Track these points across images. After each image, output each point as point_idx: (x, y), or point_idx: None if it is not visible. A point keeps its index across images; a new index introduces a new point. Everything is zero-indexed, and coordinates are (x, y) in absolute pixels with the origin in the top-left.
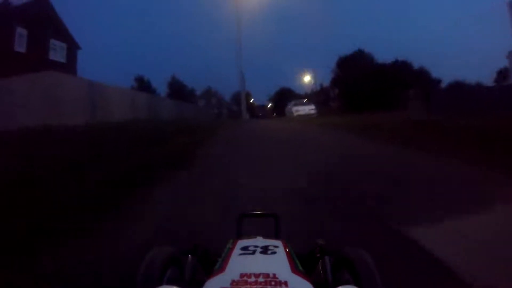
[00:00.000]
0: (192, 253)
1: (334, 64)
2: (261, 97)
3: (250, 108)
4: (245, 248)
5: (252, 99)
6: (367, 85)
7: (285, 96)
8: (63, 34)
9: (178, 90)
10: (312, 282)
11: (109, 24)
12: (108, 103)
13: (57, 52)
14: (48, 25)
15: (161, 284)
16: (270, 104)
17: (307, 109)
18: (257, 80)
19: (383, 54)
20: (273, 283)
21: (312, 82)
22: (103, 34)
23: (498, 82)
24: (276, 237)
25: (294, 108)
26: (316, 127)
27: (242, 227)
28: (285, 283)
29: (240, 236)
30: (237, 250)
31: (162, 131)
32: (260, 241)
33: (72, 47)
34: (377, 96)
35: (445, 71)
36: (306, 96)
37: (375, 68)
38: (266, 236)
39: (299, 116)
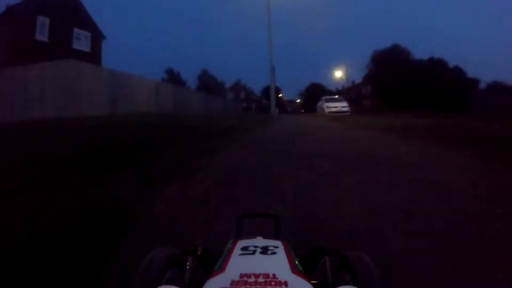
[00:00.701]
0: (192, 253)
1: (368, 59)
2: (291, 92)
3: (280, 102)
4: (245, 248)
5: (281, 94)
6: (405, 82)
7: (315, 92)
8: (87, 23)
9: (208, 83)
10: (312, 283)
11: (138, 14)
12: (130, 94)
13: (81, 41)
14: (71, 14)
15: (160, 285)
16: (299, 100)
17: (339, 106)
18: (288, 75)
19: (418, 51)
20: (273, 283)
21: (344, 77)
22: (131, 24)
23: None
24: (276, 237)
25: (326, 104)
26: (377, 133)
27: (242, 228)
28: (285, 283)
29: (240, 236)
30: (237, 250)
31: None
32: (260, 241)
33: (97, 36)
34: (415, 95)
35: (480, 70)
36: (337, 92)
37: (413, 65)
38: (266, 236)
39: (331, 113)
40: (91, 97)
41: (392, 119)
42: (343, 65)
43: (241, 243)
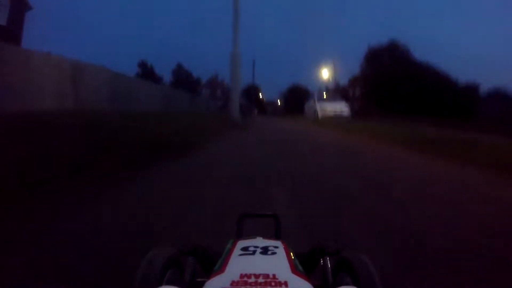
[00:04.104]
0: (192, 253)
1: (362, 57)
2: (271, 93)
3: (259, 103)
4: (245, 249)
5: (261, 94)
6: (404, 84)
7: (297, 93)
8: None
9: (183, 78)
10: (312, 283)
11: None
12: (25, 81)
13: None
14: None
15: (160, 285)
16: (279, 101)
17: (338, 108)
18: (269, 75)
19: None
20: (273, 283)
21: (331, 78)
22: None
23: None
24: (276, 237)
25: (320, 106)
26: None
27: (242, 228)
28: (285, 283)
29: (240, 236)
30: (237, 251)
31: None
32: (260, 242)
33: (18, 6)
34: (413, 99)
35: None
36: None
37: (414, 65)
38: (266, 236)
39: (327, 117)
40: None
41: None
42: (329, 65)
43: (241, 244)
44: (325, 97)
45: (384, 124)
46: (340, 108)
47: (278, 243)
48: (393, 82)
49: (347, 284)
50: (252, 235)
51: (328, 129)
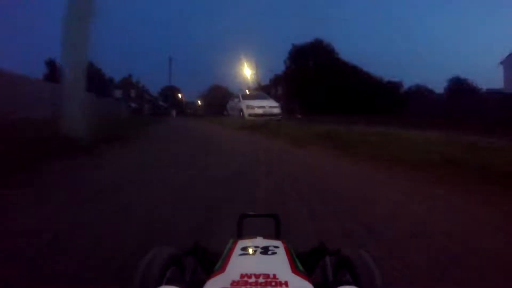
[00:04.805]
0: (192, 253)
1: (287, 55)
2: (192, 94)
3: (179, 104)
4: (245, 249)
5: (180, 95)
6: (330, 83)
7: (217, 94)
8: None
9: (94, 78)
10: (313, 282)
11: None
12: None
13: None
14: None
15: (160, 285)
16: (199, 102)
17: (267, 106)
18: (189, 76)
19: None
20: (273, 283)
21: (254, 77)
22: None
23: (450, 90)
24: (276, 237)
25: (246, 104)
26: None
27: (242, 228)
28: (286, 283)
29: (240, 236)
30: (237, 250)
31: None
32: (260, 241)
33: None
34: (340, 96)
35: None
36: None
37: (339, 64)
38: (267, 236)
39: (255, 116)
40: None
41: None
42: (251, 65)
43: (241, 243)
44: (250, 94)
45: (339, 126)
46: (270, 106)
47: (278, 243)
48: (318, 79)
49: (346, 281)
50: (252, 235)
51: (264, 137)
